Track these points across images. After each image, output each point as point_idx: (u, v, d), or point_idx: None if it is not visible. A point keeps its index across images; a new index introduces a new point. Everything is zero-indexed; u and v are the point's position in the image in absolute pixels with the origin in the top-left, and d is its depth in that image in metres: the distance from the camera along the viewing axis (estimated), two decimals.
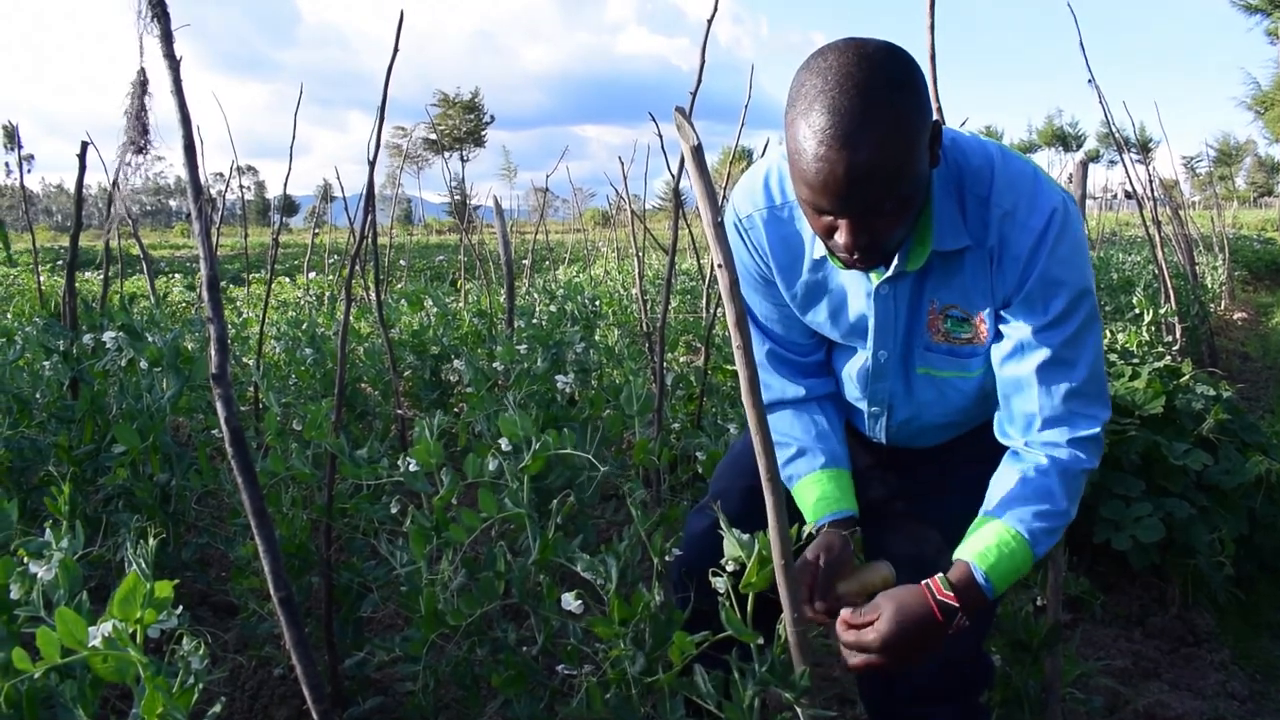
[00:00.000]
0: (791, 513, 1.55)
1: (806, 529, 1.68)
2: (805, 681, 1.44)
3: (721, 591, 1.51)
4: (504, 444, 1.93)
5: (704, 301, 5.46)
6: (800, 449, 1.79)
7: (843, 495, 1.75)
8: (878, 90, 1.34)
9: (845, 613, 1.53)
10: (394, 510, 2.15)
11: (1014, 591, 2.09)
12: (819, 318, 1.74)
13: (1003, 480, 1.60)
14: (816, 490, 1.75)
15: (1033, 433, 1.59)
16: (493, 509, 1.88)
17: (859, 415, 1.86)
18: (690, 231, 5.66)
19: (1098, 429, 1.59)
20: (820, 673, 2.73)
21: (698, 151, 1.27)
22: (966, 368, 1.66)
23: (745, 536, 1.49)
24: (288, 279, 11.79)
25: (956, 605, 1.49)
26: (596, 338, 4.87)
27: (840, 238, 1.43)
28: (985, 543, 1.54)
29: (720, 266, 1.26)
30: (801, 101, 1.39)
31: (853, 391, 1.82)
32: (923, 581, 1.52)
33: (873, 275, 1.62)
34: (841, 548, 1.65)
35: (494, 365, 3.41)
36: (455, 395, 4.64)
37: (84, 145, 2.79)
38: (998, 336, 1.60)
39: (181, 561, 2.72)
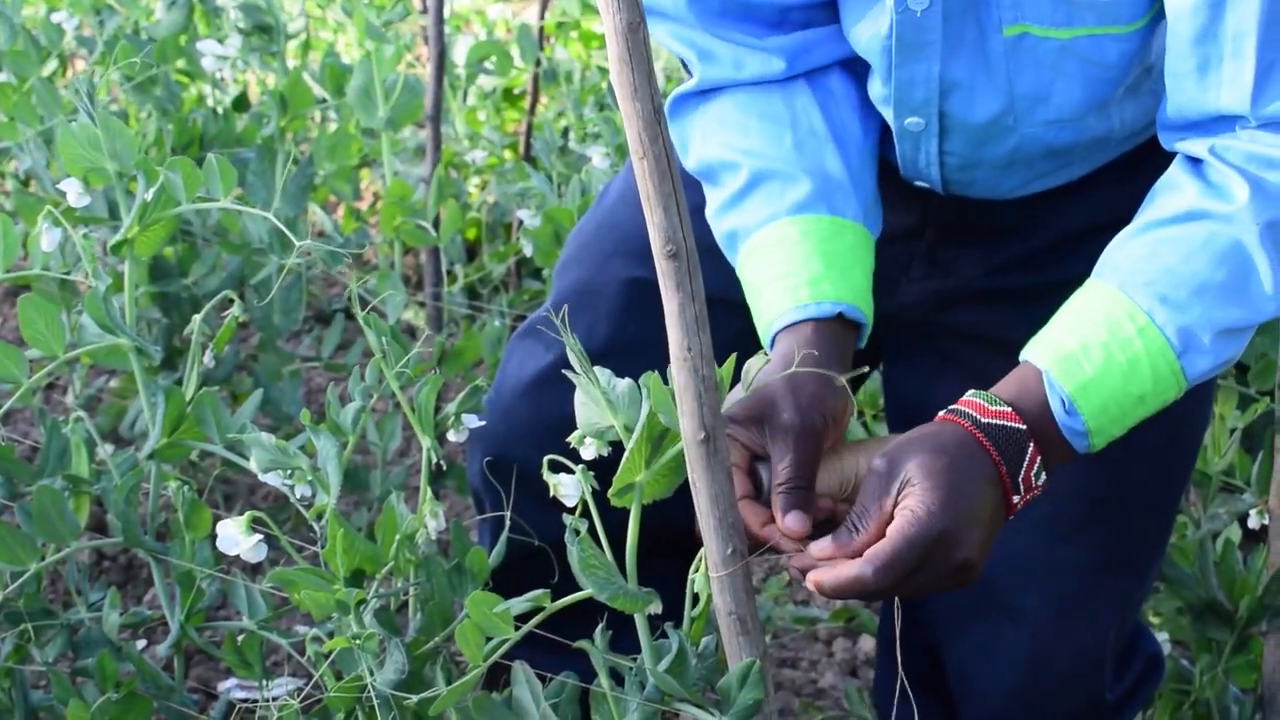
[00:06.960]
0: (737, 334, 1.04)
1: (753, 369, 0.99)
2: (754, 691, 0.92)
3: (573, 504, 1.03)
4: (74, 189, 1.26)
5: None
6: (760, 172, 1.16)
7: (841, 273, 1.12)
8: None
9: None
10: None
11: (1201, 499, 1.45)
12: None
13: (1149, 212, 1.06)
14: (785, 256, 1.14)
15: (1233, 135, 1.04)
16: (56, 342, 1.26)
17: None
18: None
19: None
20: (788, 678, 1.79)
21: None
22: (1110, 17, 1.14)
23: (623, 385, 0.98)
24: None
25: (1023, 428, 0.97)
26: None
27: None
28: (1080, 329, 1.00)
29: None
30: None
31: (872, 86, 1.22)
32: (947, 410, 0.99)
33: None
34: (824, 389, 1.05)
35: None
36: None
37: None
38: None
39: None
